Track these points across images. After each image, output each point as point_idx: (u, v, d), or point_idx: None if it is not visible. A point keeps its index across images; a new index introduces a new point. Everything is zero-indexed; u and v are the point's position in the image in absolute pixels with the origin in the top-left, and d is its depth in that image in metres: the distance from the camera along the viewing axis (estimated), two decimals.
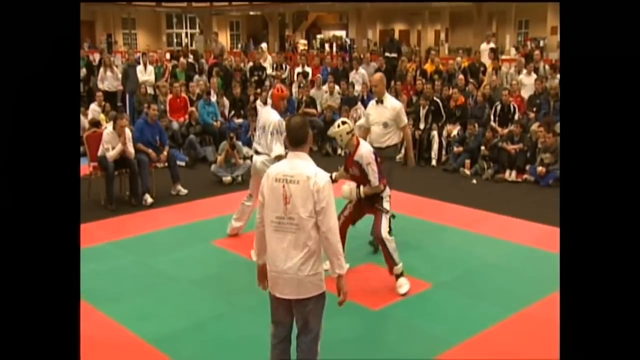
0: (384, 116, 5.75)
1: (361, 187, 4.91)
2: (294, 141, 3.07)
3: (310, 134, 3.11)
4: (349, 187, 5.00)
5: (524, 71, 10.81)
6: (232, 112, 11.10)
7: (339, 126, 4.88)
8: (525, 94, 10.36)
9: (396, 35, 24.43)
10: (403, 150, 9.95)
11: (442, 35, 23.76)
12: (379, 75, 6.15)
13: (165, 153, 7.81)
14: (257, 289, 4.89)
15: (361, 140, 5.01)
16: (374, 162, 4.82)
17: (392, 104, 5.83)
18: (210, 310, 4.57)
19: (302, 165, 3.00)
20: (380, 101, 5.85)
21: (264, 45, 17.86)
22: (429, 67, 12.23)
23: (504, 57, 14.67)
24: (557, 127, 9.16)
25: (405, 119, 5.92)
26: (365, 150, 4.84)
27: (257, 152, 5.86)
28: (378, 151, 5.34)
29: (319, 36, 28.22)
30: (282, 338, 3.19)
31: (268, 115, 5.67)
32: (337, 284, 3.07)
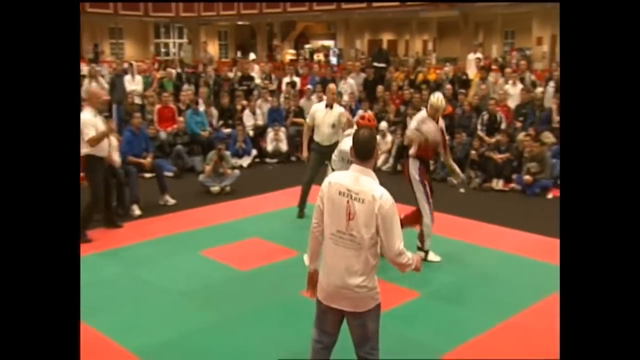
0: (332, 118, 6.77)
1: None
2: (361, 154, 2.93)
3: (377, 149, 3.02)
4: None
5: (510, 81, 10.94)
6: (221, 122, 11.10)
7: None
8: (512, 103, 10.46)
9: (384, 45, 24.64)
10: (391, 160, 10.06)
11: (430, 45, 23.93)
12: (333, 85, 7.45)
13: (149, 159, 7.75)
14: (247, 299, 4.91)
15: None
16: None
17: (339, 109, 6.91)
18: (199, 322, 4.53)
19: (367, 183, 2.89)
20: (330, 106, 6.89)
21: (252, 55, 17.87)
22: (421, 76, 12.32)
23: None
24: (543, 137, 9.26)
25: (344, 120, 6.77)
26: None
27: None
28: (326, 148, 6.70)
29: (307, 46, 28.30)
30: (327, 345, 3.17)
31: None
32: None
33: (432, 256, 5.78)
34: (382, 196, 2.86)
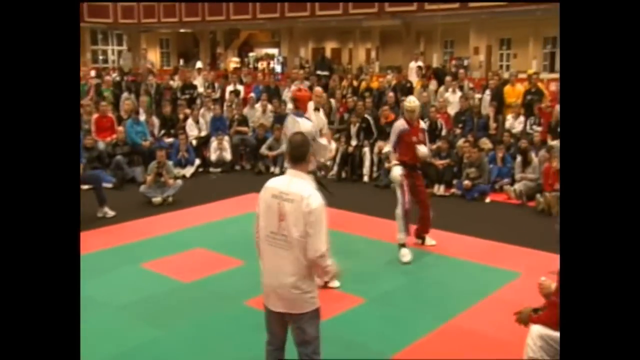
0: (321, 121, 6.39)
1: None
2: (294, 158, 3.08)
3: (310, 153, 3.11)
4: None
5: (450, 89, 11.26)
6: (163, 132, 10.88)
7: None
8: (451, 110, 10.77)
9: (328, 53, 24.87)
10: (336, 167, 10.14)
11: (373, 54, 24.34)
12: (319, 88, 7.24)
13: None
14: (190, 311, 4.81)
15: None
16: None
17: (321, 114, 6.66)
18: (142, 336, 4.41)
19: (299, 184, 2.99)
20: (317, 109, 6.49)
21: (198, 63, 17.61)
22: (365, 84, 12.50)
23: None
24: (481, 143, 9.57)
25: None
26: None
27: None
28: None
29: (251, 54, 28.22)
30: (278, 346, 3.23)
31: None
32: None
33: (403, 253, 5.99)
34: (311, 196, 2.95)
